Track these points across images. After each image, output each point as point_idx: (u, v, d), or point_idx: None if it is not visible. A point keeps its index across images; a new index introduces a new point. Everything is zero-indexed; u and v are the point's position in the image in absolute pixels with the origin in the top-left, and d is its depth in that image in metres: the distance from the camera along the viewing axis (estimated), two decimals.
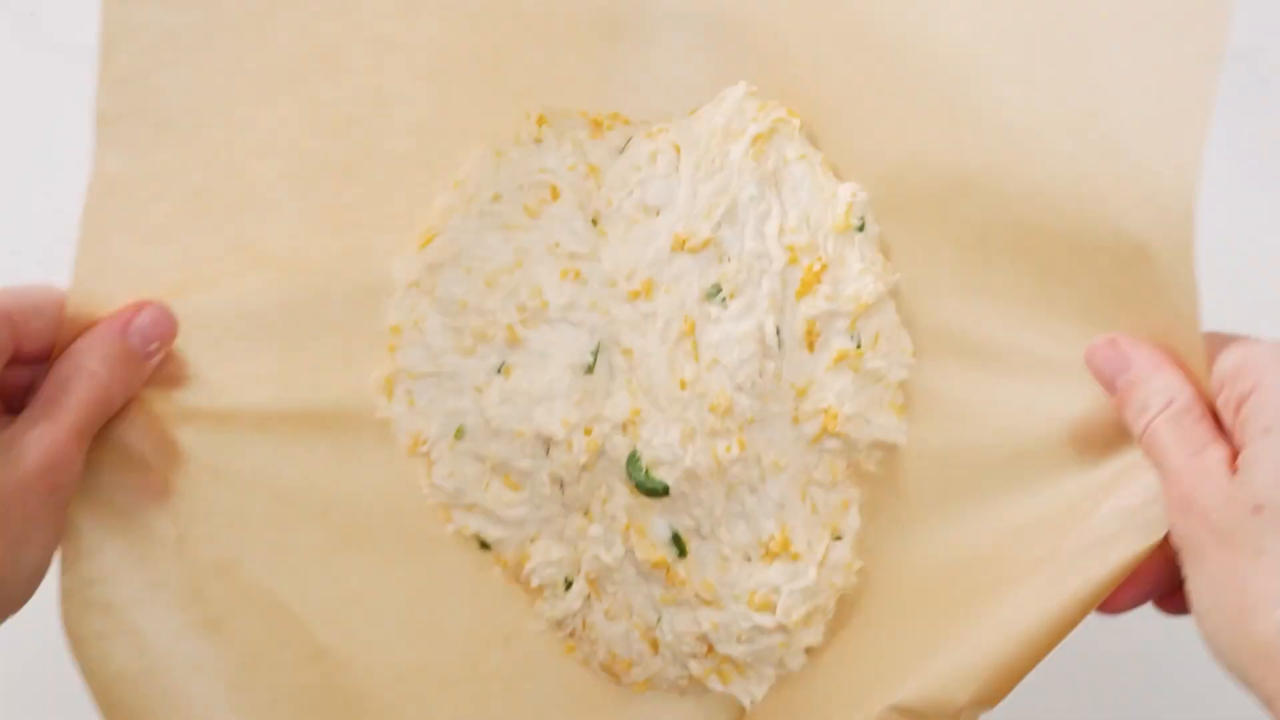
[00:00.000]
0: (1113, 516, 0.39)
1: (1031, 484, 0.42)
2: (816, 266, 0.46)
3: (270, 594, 0.43)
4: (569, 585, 0.48)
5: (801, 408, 0.47)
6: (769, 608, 0.46)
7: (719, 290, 0.46)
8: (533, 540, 0.48)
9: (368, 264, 0.46)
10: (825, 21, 0.46)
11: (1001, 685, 0.39)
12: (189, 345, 0.41)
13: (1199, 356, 0.36)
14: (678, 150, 0.47)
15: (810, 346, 0.47)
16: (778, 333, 0.46)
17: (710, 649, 0.48)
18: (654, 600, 0.48)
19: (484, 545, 0.48)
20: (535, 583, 0.48)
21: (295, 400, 0.44)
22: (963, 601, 0.42)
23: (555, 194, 0.46)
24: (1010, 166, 0.40)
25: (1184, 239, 0.35)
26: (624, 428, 0.46)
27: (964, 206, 0.43)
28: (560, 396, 0.45)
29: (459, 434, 0.46)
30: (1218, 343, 0.36)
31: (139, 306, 0.39)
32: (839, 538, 0.48)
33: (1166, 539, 0.37)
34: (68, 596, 0.39)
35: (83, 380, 0.37)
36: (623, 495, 0.46)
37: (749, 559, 0.47)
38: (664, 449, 0.45)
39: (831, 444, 0.47)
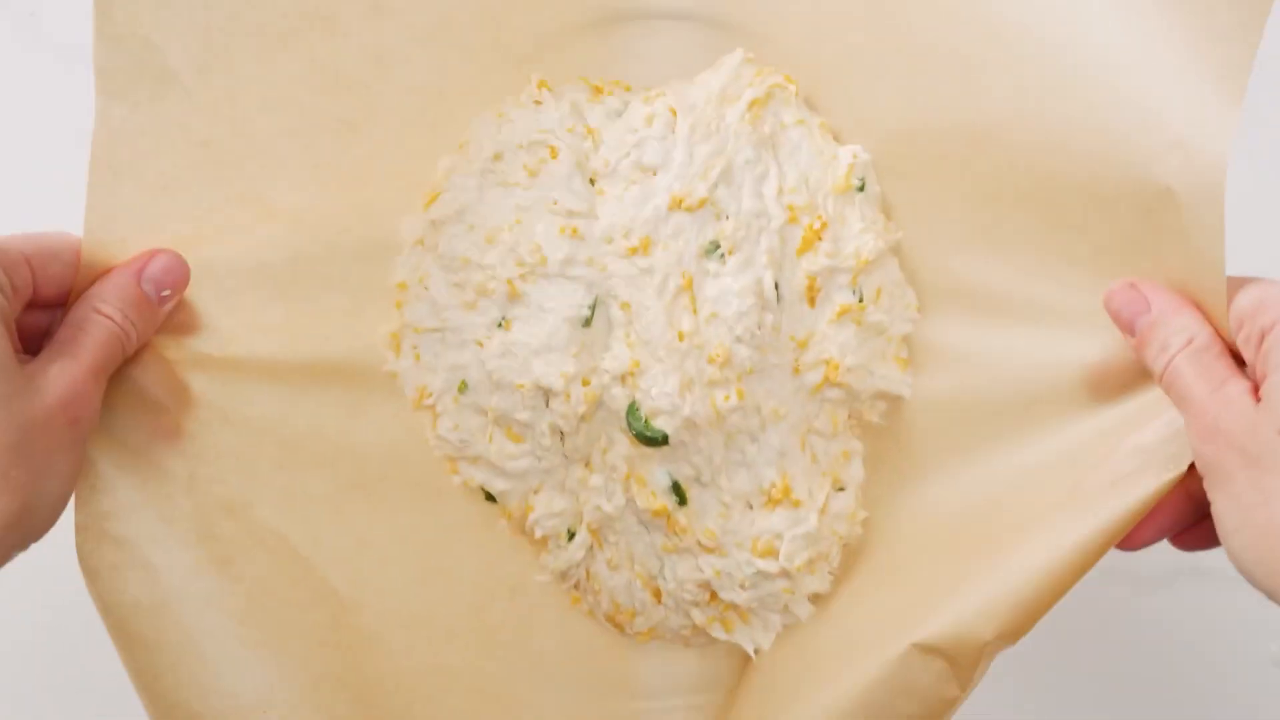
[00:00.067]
0: (1132, 454, 0.40)
1: (1045, 430, 0.43)
2: (817, 225, 0.47)
3: (280, 536, 0.45)
4: (572, 536, 0.49)
5: (802, 359, 0.48)
6: (772, 553, 0.47)
7: (717, 247, 0.47)
8: (535, 492, 0.49)
9: (376, 221, 0.47)
10: None
11: (1025, 620, 0.39)
12: (201, 295, 0.43)
13: (1220, 297, 0.37)
14: (674, 113, 0.48)
15: (811, 301, 0.48)
16: (776, 287, 0.47)
17: (713, 596, 0.48)
18: (656, 549, 0.49)
19: (489, 497, 0.49)
20: (539, 534, 0.49)
21: (304, 352, 0.45)
22: (979, 545, 0.43)
23: (554, 154, 0.48)
24: (1028, 119, 0.41)
25: (1215, 182, 0.36)
26: (623, 379, 0.47)
27: (976, 162, 0.44)
28: (558, 349, 0.47)
29: (462, 387, 0.48)
30: (1233, 285, 0.37)
31: (152, 254, 0.41)
32: (841, 488, 0.49)
33: (1185, 475, 0.38)
34: (83, 530, 0.41)
35: (99, 323, 0.39)
36: (623, 445, 0.47)
37: (750, 506, 0.48)
38: (662, 399, 0.46)
39: (833, 394, 0.48)
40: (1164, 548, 0.43)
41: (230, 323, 0.44)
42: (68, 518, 0.40)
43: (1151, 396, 0.40)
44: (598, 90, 0.50)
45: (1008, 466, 0.44)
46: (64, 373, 0.38)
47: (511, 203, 0.47)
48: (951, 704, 0.41)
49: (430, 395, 0.48)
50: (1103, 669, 0.57)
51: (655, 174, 0.48)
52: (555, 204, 0.47)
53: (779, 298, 0.47)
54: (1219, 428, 0.36)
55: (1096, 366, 0.42)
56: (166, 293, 0.41)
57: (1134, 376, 0.41)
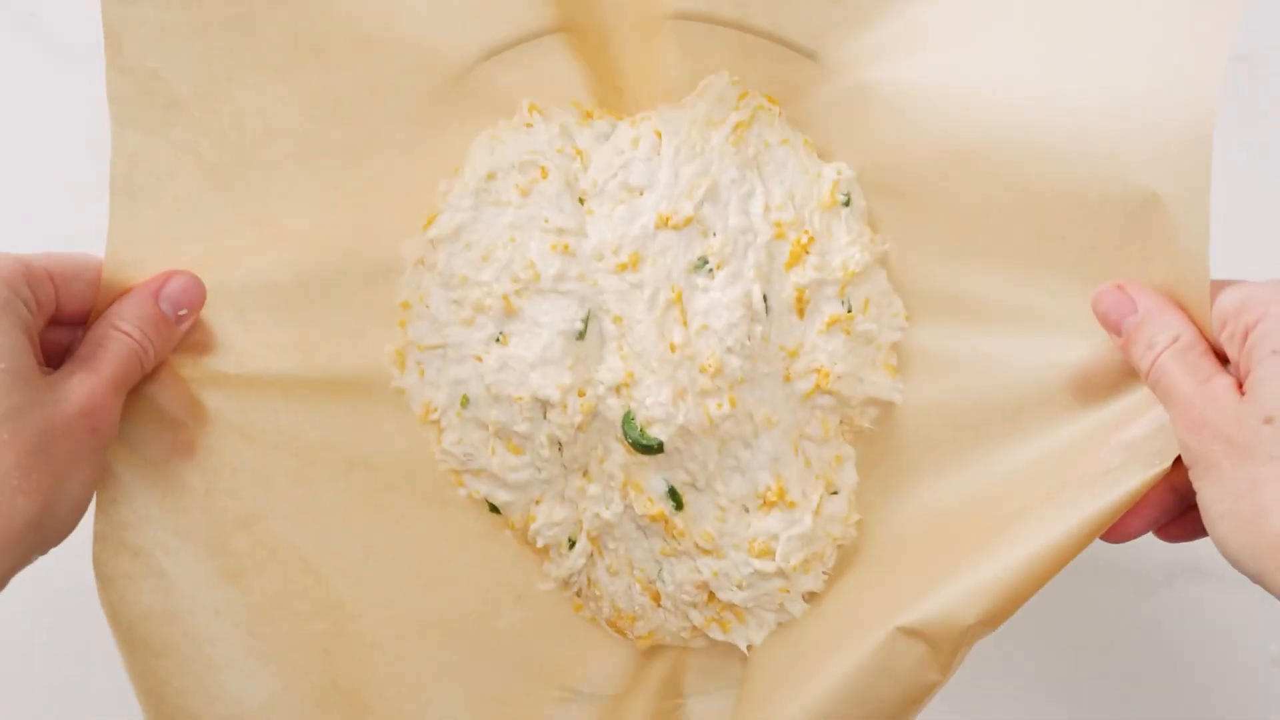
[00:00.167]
0: (1117, 450, 0.41)
1: (1033, 431, 0.45)
2: (804, 240, 0.49)
3: (291, 547, 0.46)
4: (573, 544, 0.51)
5: (793, 368, 0.49)
6: (768, 554, 0.49)
7: (705, 262, 0.49)
8: (537, 502, 0.51)
9: (380, 243, 0.49)
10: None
11: (1006, 606, 0.40)
12: (216, 315, 0.45)
13: (1204, 298, 0.39)
14: (659, 135, 0.50)
15: (800, 313, 0.49)
16: (765, 300, 0.49)
17: (711, 597, 0.50)
18: (654, 554, 0.50)
19: (494, 509, 0.51)
20: (540, 543, 0.51)
21: (316, 369, 0.47)
22: (967, 537, 0.44)
23: (544, 174, 0.50)
24: (1015, 133, 0.43)
25: (1199, 186, 0.38)
26: (617, 390, 0.48)
27: (960, 173, 0.45)
28: (554, 362, 0.48)
29: (464, 402, 0.50)
30: (1215, 287, 0.39)
31: (170, 275, 0.43)
32: (835, 492, 0.50)
33: (1170, 469, 0.39)
34: (101, 538, 0.42)
35: (118, 339, 0.41)
36: (619, 454, 0.49)
37: (746, 509, 0.49)
38: (657, 408, 0.48)
39: (824, 401, 0.50)
40: (1164, 547, 0.44)
41: (245, 341, 0.45)
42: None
43: (1137, 397, 0.42)
44: (587, 114, 0.52)
45: (997, 467, 0.46)
46: (85, 384, 0.40)
47: (505, 221, 0.50)
48: (930, 689, 0.42)
49: (435, 410, 0.50)
50: (1103, 669, 0.58)
51: (642, 194, 0.50)
52: (546, 222, 0.49)
53: (768, 309, 0.49)
54: (1206, 419, 0.37)
55: (1083, 368, 0.43)
56: (183, 312, 0.43)
57: (1119, 378, 0.42)
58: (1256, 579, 0.36)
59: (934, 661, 0.41)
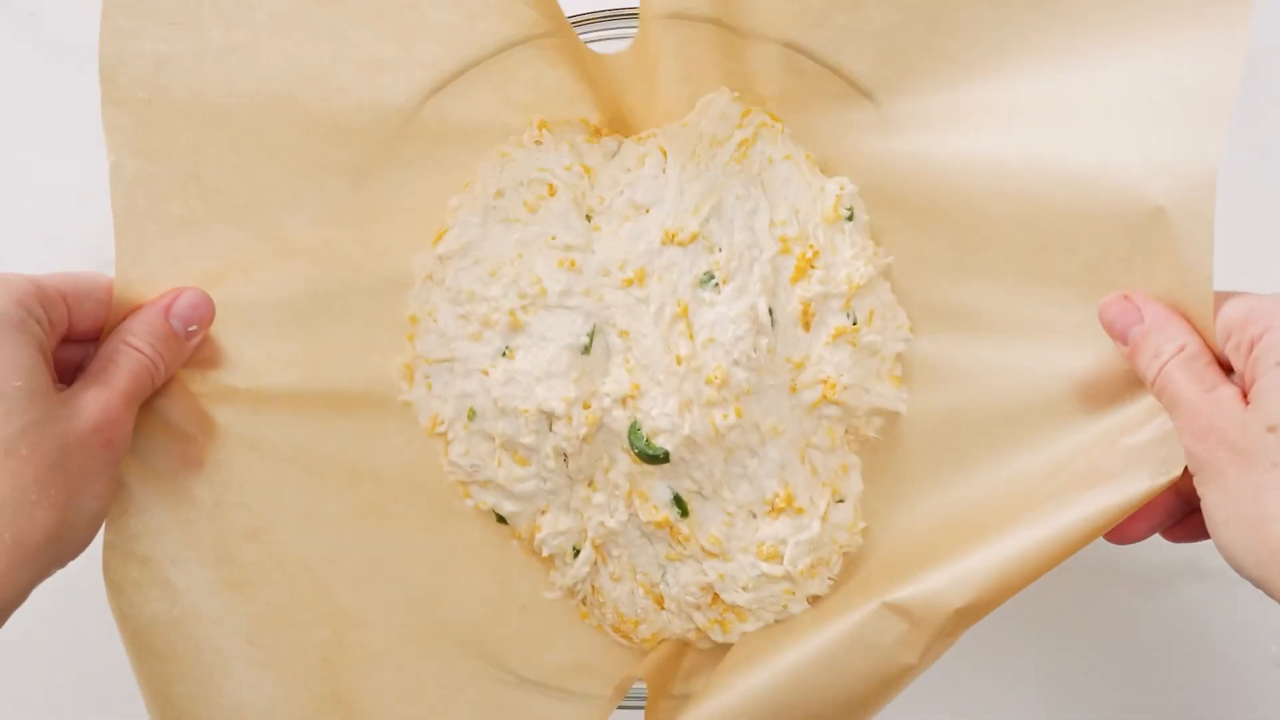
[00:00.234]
0: (1121, 455, 0.42)
1: (1036, 439, 0.45)
2: (809, 254, 0.50)
3: (298, 558, 0.47)
4: (577, 553, 0.51)
5: (799, 379, 0.50)
6: (776, 557, 0.49)
7: (711, 277, 0.49)
8: (542, 513, 0.51)
9: (388, 258, 0.50)
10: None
11: (995, 596, 0.41)
12: (225, 330, 0.45)
13: (1207, 310, 0.39)
14: (664, 154, 0.51)
15: (806, 326, 0.50)
16: (771, 313, 0.49)
17: (715, 598, 0.50)
18: (658, 559, 0.51)
19: (501, 520, 0.52)
20: (546, 552, 0.51)
21: (324, 383, 0.48)
22: (967, 536, 0.44)
23: (552, 191, 0.50)
24: (1019, 148, 0.44)
25: (1205, 200, 0.38)
26: (623, 401, 0.49)
27: (964, 187, 0.46)
28: (559, 375, 0.49)
29: (471, 415, 0.50)
30: (1219, 299, 0.39)
31: (179, 291, 0.43)
32: (841, 500, 0.51)
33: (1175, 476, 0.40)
34: (111, 547, 0.43)
35: (130, 355, 0.42)
36: (624, 464, 0.50)
37: (754, 515, 0.50)
38: (663, 419, 0.48)
39: (830, 410, 0.50)
40: (1165, 548, 0.45)
41: (254, 356, 0.46)
42: None
43: (1140, 405, 0.42)
44: (596, 131, 0.52)
45: (1001, 476, 0.46)
46: (98, 399, 0.40)
47: (513, 238, 0.50)
48: (903, 673, 0.42)
49: (442, 423, 0.51)
50: (1103, 669, 0.58)
51: (648, 211, 0.50)
52: (553, 239, 0.50)
53: (774, 322, 0.49)
54: (1211, 427, 0.38)
55: (1085, 378, 0.44)
56: (193, 328, 0.44)
57: (1124, 386, 0.43)
58: (1260, 584, 0.37)
59: (913, 642, 0.42)
